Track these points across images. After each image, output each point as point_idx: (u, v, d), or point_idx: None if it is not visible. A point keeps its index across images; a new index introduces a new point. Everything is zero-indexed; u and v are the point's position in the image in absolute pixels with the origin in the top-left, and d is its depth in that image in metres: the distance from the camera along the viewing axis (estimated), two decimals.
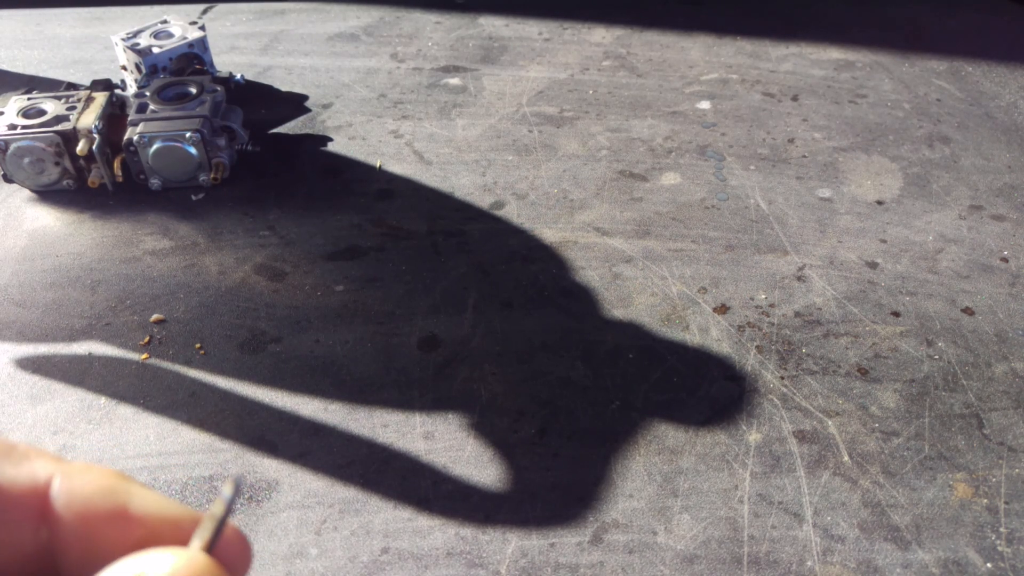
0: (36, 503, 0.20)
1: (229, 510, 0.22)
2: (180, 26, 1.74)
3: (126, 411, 1.10)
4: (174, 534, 0.21)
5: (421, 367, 1.17)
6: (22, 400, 1.12)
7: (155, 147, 1.43)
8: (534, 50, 1.99)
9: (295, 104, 1.76)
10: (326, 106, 1.75)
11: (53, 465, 0.20)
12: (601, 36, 2.06)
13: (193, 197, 1.49)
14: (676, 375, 1.16)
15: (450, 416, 1.10)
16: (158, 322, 1.23)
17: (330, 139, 1.65)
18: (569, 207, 1.47)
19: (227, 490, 0.22)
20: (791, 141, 1.65)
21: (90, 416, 1.09)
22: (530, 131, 1.67)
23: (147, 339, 1.21)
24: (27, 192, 1.49)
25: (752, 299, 1.28)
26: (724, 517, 0.98)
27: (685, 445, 1.06)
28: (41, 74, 1.87)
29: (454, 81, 1.85)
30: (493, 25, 2.11)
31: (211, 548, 0.22)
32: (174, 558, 0.20)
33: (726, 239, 1.39)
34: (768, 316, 1.25)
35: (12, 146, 1.40)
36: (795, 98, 1.80)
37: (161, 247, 1.38)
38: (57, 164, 1.44)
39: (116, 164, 1.45)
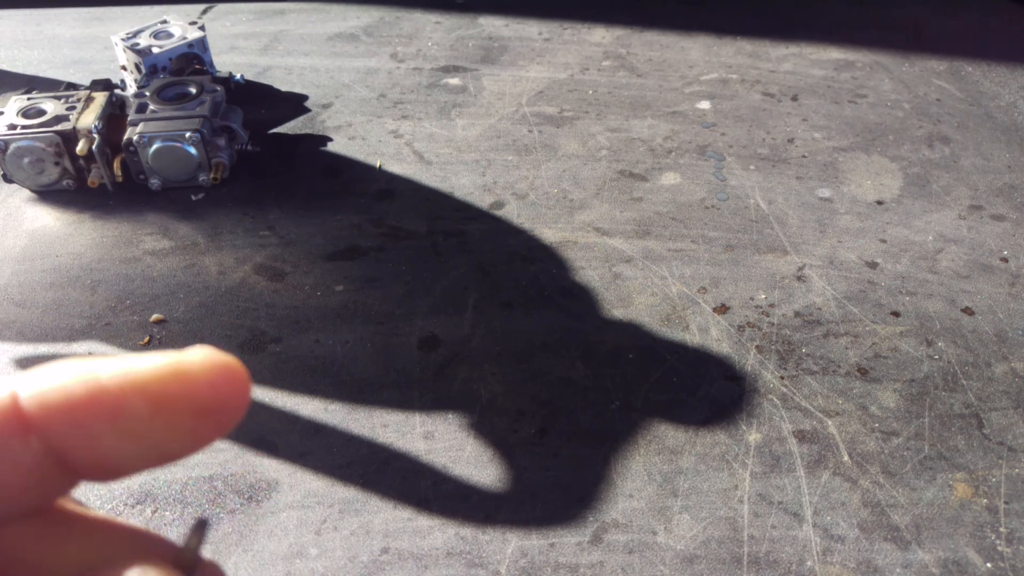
0: (13, 416, 0.20)
1: (203, 539, 0.22)
2: (180, 26, 1.74)
3: None
4: (151, 390, 0.21)
5: (421, 367, 1.17)
6: None
7: (155, 147, 1.43)
8: (534, 50, 1.99)
9: (295, 104, 1.76)
10: (326, 106, 1.75)
11: (10, 379, 0.20)
12: (601, 36, 2.06)
13: (193, 197, 1.49)
14: (676, 375, 1.16)
15: (450, 416, 1.10)
16: (158, 322, 1.24)
17: (330, 139, 1.65)
18: (569, 207, 1.47)
19: (196, 526, 0.23)
20: (791, 141, 1.65)
21: None
22: (530, 131, 1.68)
23: (147, 339, 1.21)
24: (27, 192, 1.49)
25: (752, 299, 1.28)
26: (724, 517, 0.98)
27: (685, 445, 1.06)
28: (41, 74, 1.87)
29: (454, 81, 1.85)
30: (493, 25, 2.11)
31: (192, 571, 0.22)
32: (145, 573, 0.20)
33: (726, 239, 1.39)
34: (768, 316, 1.25)
35: (12, 146, 1.40)
36: (795, 98, 1.80)
37: (161, 247, 1.38)
38: (57, 164, 1.44)
39: (116, 164, 1.45)
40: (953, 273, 1.33)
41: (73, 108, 1.45)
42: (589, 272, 1.33)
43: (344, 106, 1.75)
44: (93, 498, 0.99)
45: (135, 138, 1.43)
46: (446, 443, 1.06)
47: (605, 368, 1.17)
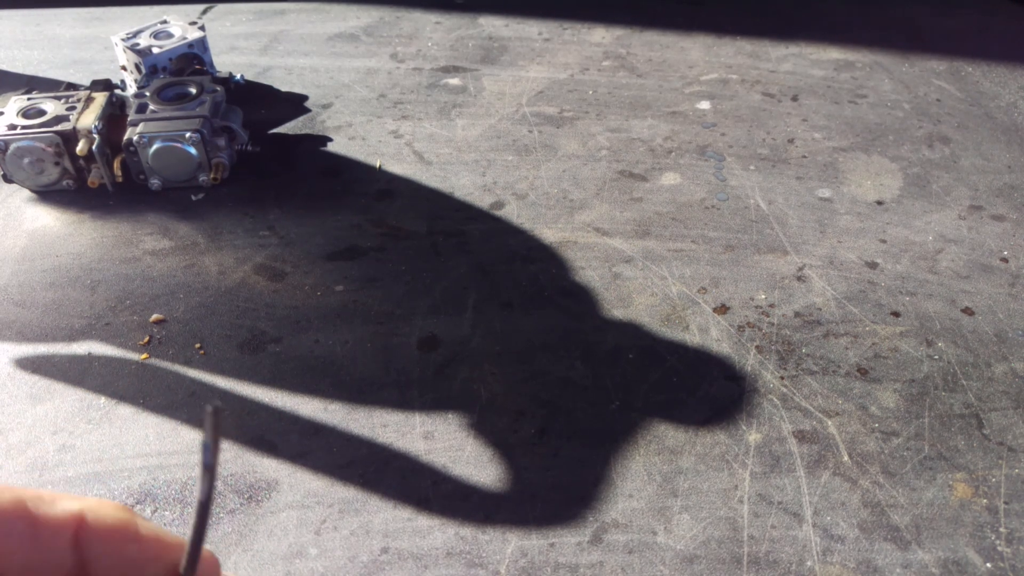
0: (72, 531, 0.26)
1: (201, 533, 0.27)
2: (180, 26, 1.74)
3: (126, 411, 1.10)
4: (171, 553, 0.28)
5: (421, 367, 1.17)
6: (22, 400, 1.12)
7: (155, 147, 1.43)
8: (534, 50, 1.99)
9: (295, 104, 1.76)
10: (326, 106, 1.75)
11: (78, 502, 0.27)
12: (601, 36, 2.06)
13: (193, 197, 1.49)
14: (676, 375, 1.16)
15: (450, 416, 1.10)
16: (158, 322, 1.24)
17: (330, 139, 1.65)
18: (569, 207, 1.47)
19: (198, 504, 0.27)
20: (791, 141, 1.65)
21: (90, 416, 1.09)
22: (530, 131, 1.68)
23: (147, 339, 1.21)
24: (27, 192, 1.49)
25: (752, 299, 1.28)
26: (724, 517, 0.98)
27: (685, 445, 1.06)
28: (41, 74, 1.87)
29: (454, 81, 1.85)
30: (493, 25, 2.11)
31: (191, 570, 0.27)
32: None
33: (726, 239, 1.39)
34: (768, 316, 1.25)
35: (12, 146, 1.40)
36: (795, 98, 1.80)
37: (161, 247, 1.38)
38: (57, 164, 1.44)
39: (116, 164, 1.45)
40: (953, 273, 1.33)
41: (73, 108, 1.45)
42: (589, 272, 1.33)
43: (344, 106, 1.75)
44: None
45: (135, 138, 1.43)
46: (446, 443, 1.06)
47: (605, 368, 1.17)
